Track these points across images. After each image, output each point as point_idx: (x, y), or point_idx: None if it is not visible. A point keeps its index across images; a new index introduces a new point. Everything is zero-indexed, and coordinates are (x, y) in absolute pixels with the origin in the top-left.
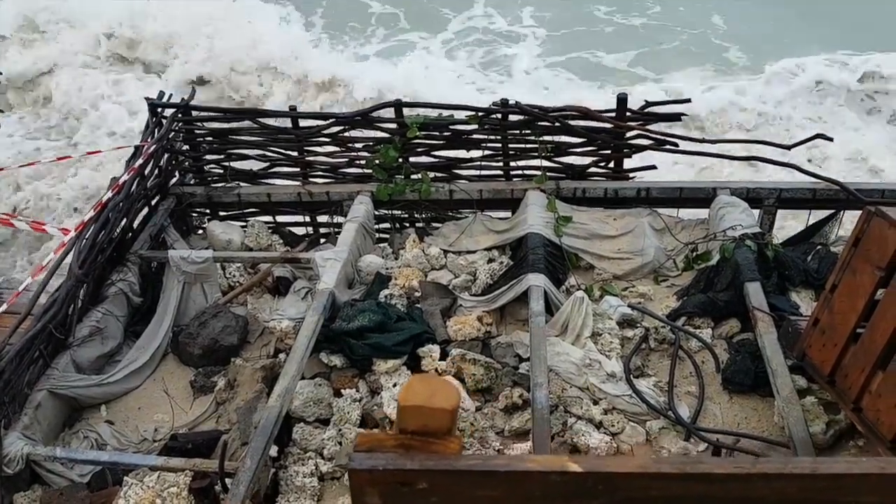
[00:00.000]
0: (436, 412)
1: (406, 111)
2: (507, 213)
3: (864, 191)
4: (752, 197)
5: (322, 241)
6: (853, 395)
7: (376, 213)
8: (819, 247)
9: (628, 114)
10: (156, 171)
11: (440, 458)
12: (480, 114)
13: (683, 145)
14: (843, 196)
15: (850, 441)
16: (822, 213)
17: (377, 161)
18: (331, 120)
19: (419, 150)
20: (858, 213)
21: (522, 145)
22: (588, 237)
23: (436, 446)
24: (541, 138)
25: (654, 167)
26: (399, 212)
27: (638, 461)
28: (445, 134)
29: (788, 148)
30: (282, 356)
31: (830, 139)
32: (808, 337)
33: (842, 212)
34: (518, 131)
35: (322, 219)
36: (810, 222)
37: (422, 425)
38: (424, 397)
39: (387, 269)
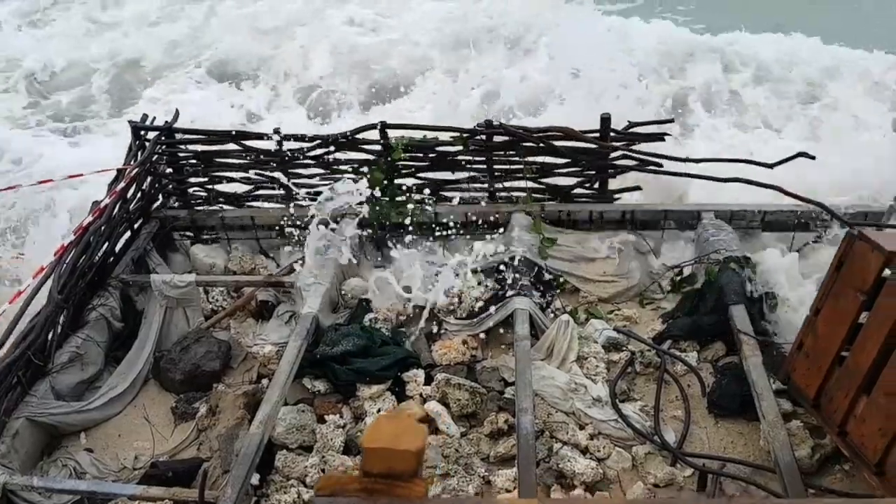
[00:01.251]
0: (401, 454)
1: (391, 133)
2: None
3: (848, 213)
4: (737, 219)
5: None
6: (838, 419)
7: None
8: None
9: (612, 134)
10: (139, 195)
11: (405, 502)
12: (465, 135)
13: (667, 166)
14: (828, 218)
15: (836, 465)
16: (806, 236)
17: None
18: (316, 142)
19: (404, 171)
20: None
21: (507, 166)
22: (573, 260)
23: (401, 490)
24: (525, 159)
25: (638, 188)
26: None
27: (612, 502)
28: (431, 155)
29: (771, 167)
30: (265, 382)
31: (813, 157)
32: (793, 361)
33: (825, 235)
34: (503, 152)
35: None
36: (794, 245)
37: (387, 468)
38: (390, 439)
39: None
